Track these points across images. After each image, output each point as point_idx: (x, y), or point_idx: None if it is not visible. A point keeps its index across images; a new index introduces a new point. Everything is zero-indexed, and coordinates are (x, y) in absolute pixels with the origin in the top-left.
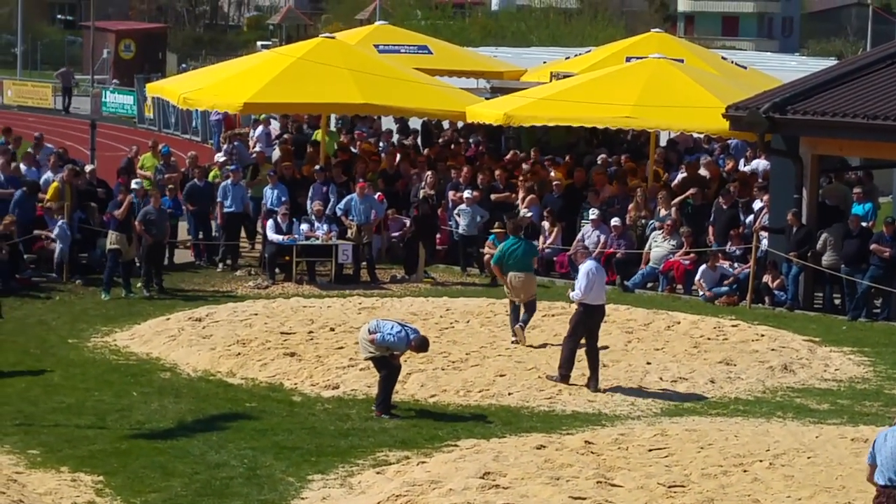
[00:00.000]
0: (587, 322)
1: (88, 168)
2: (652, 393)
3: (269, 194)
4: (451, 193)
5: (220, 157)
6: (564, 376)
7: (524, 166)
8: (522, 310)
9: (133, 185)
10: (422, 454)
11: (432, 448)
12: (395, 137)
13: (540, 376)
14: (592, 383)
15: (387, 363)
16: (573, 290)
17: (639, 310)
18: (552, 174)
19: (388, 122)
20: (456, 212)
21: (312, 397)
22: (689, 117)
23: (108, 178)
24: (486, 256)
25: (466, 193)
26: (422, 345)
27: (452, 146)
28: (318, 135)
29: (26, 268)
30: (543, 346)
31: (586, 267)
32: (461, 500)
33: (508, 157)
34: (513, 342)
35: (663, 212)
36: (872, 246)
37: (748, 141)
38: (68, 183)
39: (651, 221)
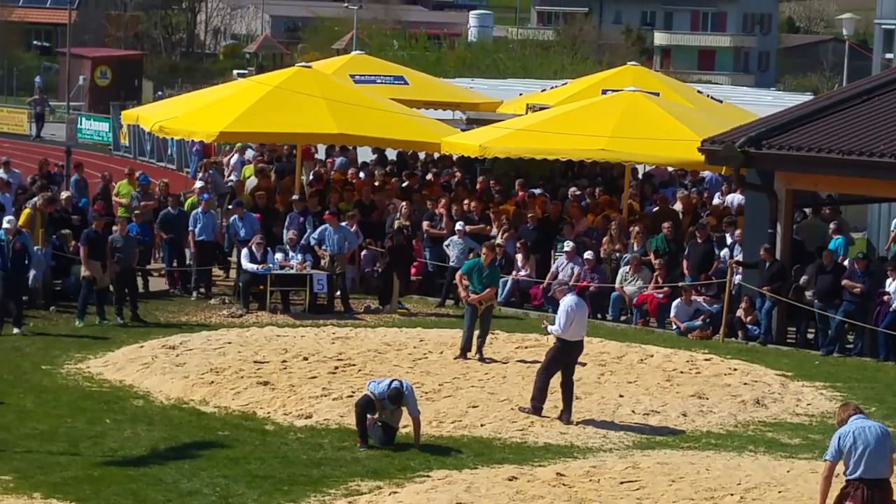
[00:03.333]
0: (564, 357)
1: (64, 195)
2: (624, 426)
3: (238, 225)
4: (425, 224)
5: (198, 185)
6: (537, 408)
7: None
8: (478, 332)
9: (5, 224)
10: (394, 484)
11: (404, 478)
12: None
13: (513, 408)
14: (565, 415)
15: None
16: (552, 324)
17: (612, 343)
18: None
19: (364, 153)
20: (446, 244)
21: (285, 426)
22: (664, 150)
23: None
24: (473, 298)
25: (458, 226)
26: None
27: (427, 177)
28: (247, 170)
29: None
30: (516, 377)
31: (567, 303)
32: None
33: (480, 186)
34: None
35: (636, 246)
36: (844, 282)
37: (723, 175)
38: (40, 210)
39: (625, 255)
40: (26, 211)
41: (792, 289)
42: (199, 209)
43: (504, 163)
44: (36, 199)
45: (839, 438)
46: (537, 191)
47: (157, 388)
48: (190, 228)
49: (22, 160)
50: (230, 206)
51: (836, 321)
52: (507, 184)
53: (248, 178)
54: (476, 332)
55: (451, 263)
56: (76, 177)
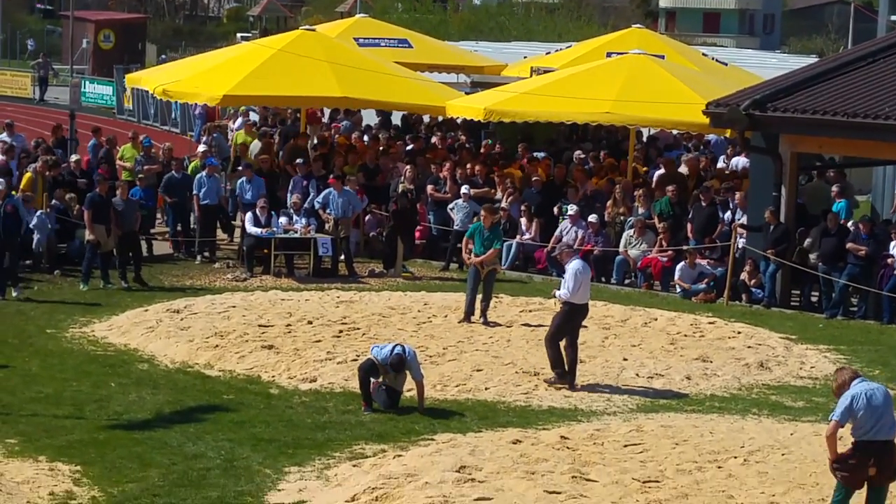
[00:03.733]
0: (571, 321)
1: (74, 158)
2: (628, 389)
3: (245, 187)
4: (429, 188)
5: (202, 149)
6: (560, 374)
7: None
8: (481, 296)
9: None
10: (398, 448)
11: (408, 442)
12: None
13: (517, 372)
14: (570, 379)
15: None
16: (559, 289)
17: (616, 306)
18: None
19: (368, 116)
20: (450, 207)
21: (290, 390)
22: (669, 113)
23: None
24: (473, 260)
25: (464, 189)
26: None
27: (432, 141)
28: (238, 136)
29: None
30: (521, 341)
31: (573, 267)
32: (437, 493)
33: (483, 150)
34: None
35: (641, 209)
36: (848, 245)
37: (728, 137)
38: (41, 174)
39: (629, 218)
40: (27, 174)
41: (796, 252)
42: (204, 173)
43: (509, 126)
44: (37, 163)
45: (852, 399)
46: (541, 154)
47: (162, 351)
48: (194, 192)
49: (26, 124)
50: (241, 168)
51: (839, 284)
52: (513, 147)
53: (240, 143)
54: (479, 297)
55: (455, 227)
56: (94, 141)
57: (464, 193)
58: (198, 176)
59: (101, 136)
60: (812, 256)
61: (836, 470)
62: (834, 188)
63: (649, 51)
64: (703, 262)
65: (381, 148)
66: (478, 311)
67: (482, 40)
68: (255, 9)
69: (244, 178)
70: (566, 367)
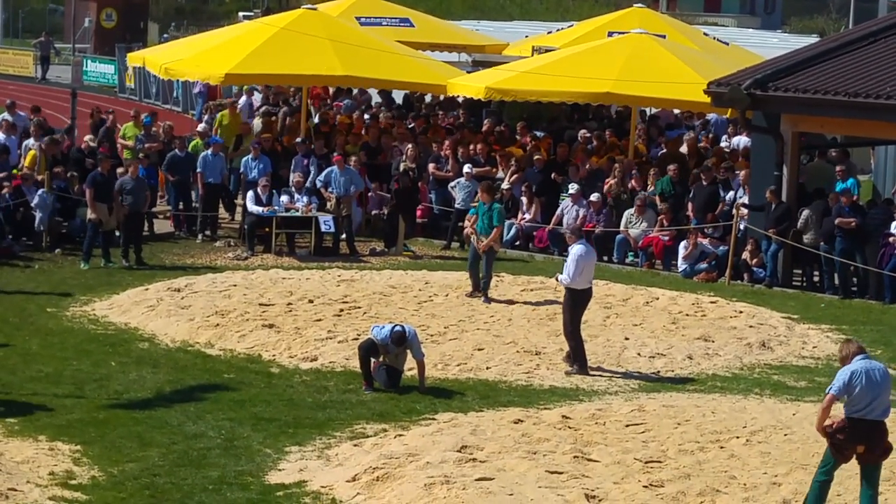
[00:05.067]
0: (578, 307)
1: (87, 138)
2: (630, 369)
3: (251, 165)
4: (431, 166)
5: (201, 128)
6: (583, 366)
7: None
8: (482, 268)
9: None
10: (399, 427)
11: (409, 421)
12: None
13: (518, 351)
14: (571, 359)
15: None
16: (562, 272)
17: (617, 285)
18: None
19: (372, 95)
20: (452, 185)
21: (290, 369)
22: (670, 92)
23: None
24: (467, 230)
25: (466, 168)
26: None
27: (433, 119)
28: (223, 116)
29: (6, 236)
30: (522, 320)
31: (576, 251)
32: (438, 472)
33: (485, 129)
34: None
35: (639, 187)
36: (837, 220)
37: (729, 118)
38: (45, 153)
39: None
40: (31, 152)
41: (792, 231)
42: (209, 151)
43: (514, 106)
44: (39, 140)
45: (851, 375)
46: (540, 133)
47: (163, 330)
48: (198, 170)
49: (28, 102)
50: (254, 145)
51: (837, 262)
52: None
53: (226, 124)
54: (480, 275)
55: (456, 206)
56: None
57: (466, 172)
58: (202, 154)
59: (101, 113)
60: (806, 236)
61: (828, 441)
62: (838, 167)
63: (650, 30)
64: (704, 241)
65: (381, 127)
66: (479, 296)
67: (483, 19)
68: None
69: (250, 156)
70: (585, 358)
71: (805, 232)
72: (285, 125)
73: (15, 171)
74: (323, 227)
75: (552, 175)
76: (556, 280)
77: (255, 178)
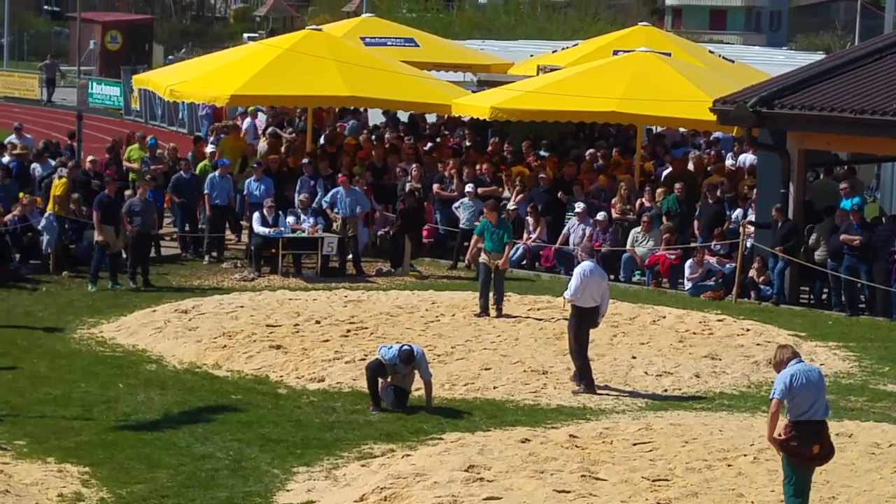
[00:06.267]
0: (583, 326)
1: (90, 159)
2: (637, 387)
3: (254, 187)
4: (435, 186)
5: (209, 150)
6: (590, 385)
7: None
8: (493, 289)
9: None
10: (406, 447)
11: (417, 441)
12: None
13: (525, 370)
14: (578, 378)
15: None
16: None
17: (624, 304)
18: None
19: (374, 116)
20: (456, 206)
21: (298, 390)
22: (676, 111)
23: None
24: (471, 254)
25: (469, 188)
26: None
27: (438, 139)
28: (225, 142)
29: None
30: (529, 339)
31: (582, 267)
32: (446, 492)
33: (491, 148)
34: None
35: (647, 203)
36: (842, 236)
37: (735, 135)
38: (71, 178)
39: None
40: (63, 179)
41: (803, 249)
42: (216, 173)
43: (520, 126)
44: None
45: (791, 378)
46: (545, 153)
47: (170, 352)
48: (206, 192)
49: (33, 125)
50: (254, 166)
51: (843, 279)
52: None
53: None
54: (491, 294)
55: (461, 225)
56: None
57: (468, 192)
58: (210, 176)
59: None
60: (817, 254)
61: (784, 452)
62: (842, 185)
63: (656, 48)
64: (711, 259)
65: (386, 146)
66: (493, 311)
67: (488, 39)
68: (262, 9)
69: (252, 178)
70: (591, 377)
71: (816, 249)
72: (291, 146)
73: (22, 194)
74: (326, 249)
75: (558, 194)
76: (563, 298)
77: (258, 198)
